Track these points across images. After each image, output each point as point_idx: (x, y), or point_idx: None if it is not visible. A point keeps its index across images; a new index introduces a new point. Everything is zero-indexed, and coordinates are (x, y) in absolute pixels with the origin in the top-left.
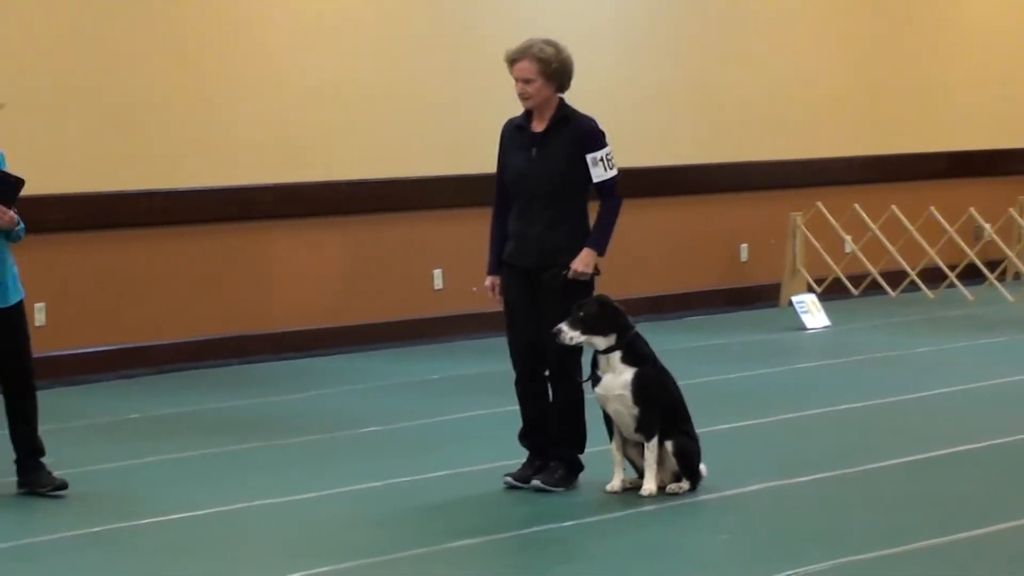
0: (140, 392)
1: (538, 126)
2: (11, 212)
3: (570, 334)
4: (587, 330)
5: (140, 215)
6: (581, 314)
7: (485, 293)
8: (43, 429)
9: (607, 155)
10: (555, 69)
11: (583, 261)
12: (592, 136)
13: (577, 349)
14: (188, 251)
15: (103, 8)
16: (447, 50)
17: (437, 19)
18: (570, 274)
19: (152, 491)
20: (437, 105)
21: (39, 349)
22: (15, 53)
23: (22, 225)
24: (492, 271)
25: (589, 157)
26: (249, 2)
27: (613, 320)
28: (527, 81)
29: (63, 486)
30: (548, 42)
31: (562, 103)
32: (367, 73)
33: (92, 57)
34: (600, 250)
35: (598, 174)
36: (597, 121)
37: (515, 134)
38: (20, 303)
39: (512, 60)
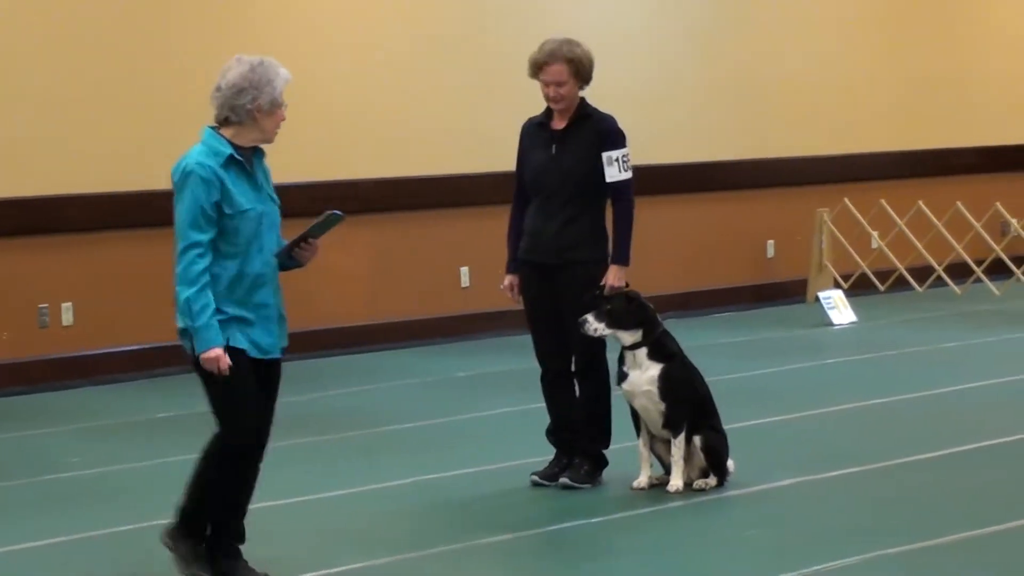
0: (170, 391)
1: (559, 123)
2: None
3: (595, 325)
4: (613, 323)
5: (169, 213)
6: (608, 307)
7: (504, 292)
8: (72, 428)
9: (624, 156)
10: (586, 67)
11: (616, 277)
12: (612, 135)
13: (601, 344)
14: None
15: (134, 8)
16: (473, 48)
17: (463, 19)
18: (606, 291)
19: (181, 490)
20: (463, 103)
21: (68, 349)
22: (49, 50)
23: None
24: (511, 270)
25: (605, 155)
26: (277, 6)
27: (639, 315)
28: (560, 84)
29: None
30: (569, 41)
31: (583, 101)
32: (393, 72)
33: (121, 56)
34: (627, 262)
35: (612, 174)
36: (617, 121)
37: (535, 132)
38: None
39: (542, 64)
